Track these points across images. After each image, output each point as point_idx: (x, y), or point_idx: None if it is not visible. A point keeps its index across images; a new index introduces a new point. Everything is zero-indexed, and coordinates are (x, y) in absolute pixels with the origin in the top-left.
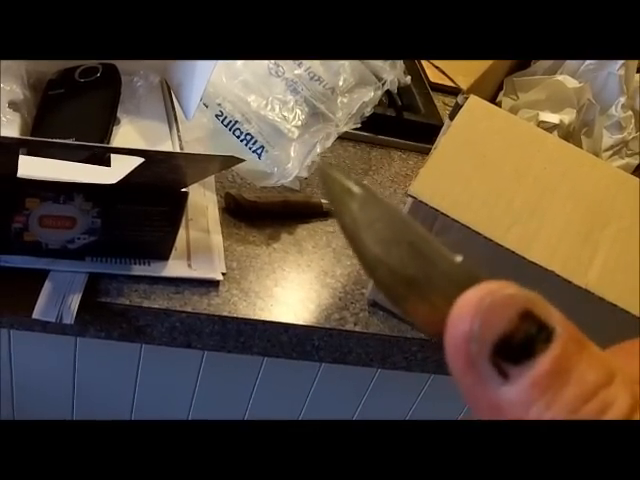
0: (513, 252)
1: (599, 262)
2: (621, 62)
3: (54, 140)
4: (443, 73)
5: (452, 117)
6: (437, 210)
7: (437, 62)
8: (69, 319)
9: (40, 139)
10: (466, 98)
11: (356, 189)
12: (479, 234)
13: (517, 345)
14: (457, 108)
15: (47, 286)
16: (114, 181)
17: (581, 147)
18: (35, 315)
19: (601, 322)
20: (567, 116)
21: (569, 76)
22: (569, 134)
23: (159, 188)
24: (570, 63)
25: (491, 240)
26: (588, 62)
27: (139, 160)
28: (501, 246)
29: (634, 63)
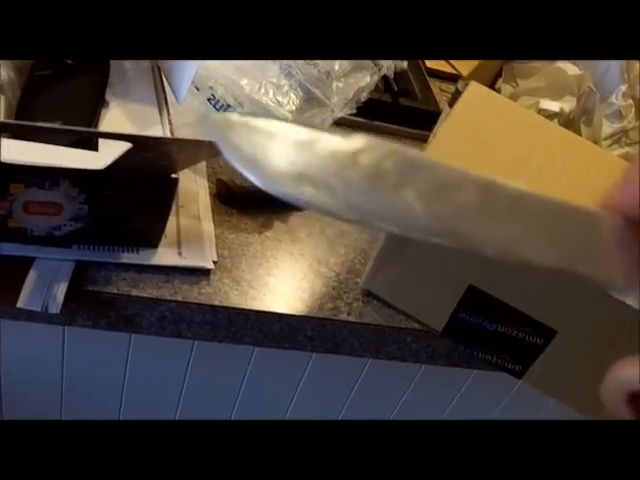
0: None
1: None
2: None
3: (38, 124)
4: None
5: (452, 104)
6: None
7: None
8: (55, 308)
9: (23, 123)
10: (466, 84)
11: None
12: None
13: None
14: (457, 94)
15: (32, 274)
16: (101, 166)
17: (580, 135)
18: (20, 304)
19: (601, 311)
20: (567, 104)
21: (570, 63)
22: (569, 122)
23: (148, 174)
24: None
25: None
26: None
27: (127, 145)
28: None
29: None
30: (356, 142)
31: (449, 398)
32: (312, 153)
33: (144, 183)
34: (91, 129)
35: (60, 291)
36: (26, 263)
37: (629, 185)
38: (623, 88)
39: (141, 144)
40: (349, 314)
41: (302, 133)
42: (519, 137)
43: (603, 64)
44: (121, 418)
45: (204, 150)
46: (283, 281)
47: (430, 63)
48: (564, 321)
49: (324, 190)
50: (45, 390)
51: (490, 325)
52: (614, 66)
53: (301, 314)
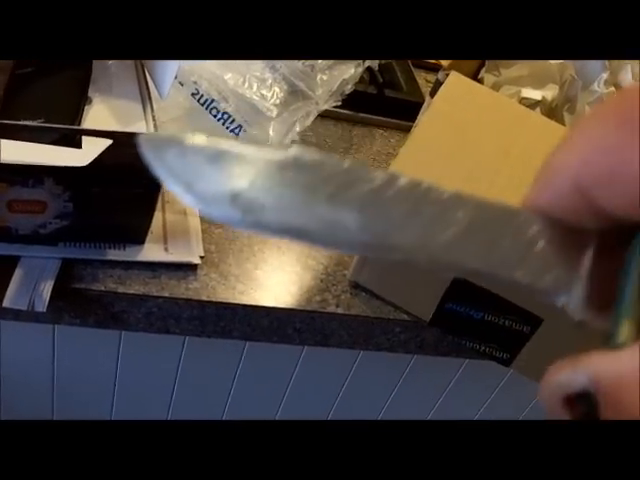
0: None
1: None
2: None
3: (20, 122)
4: None
5: (433, 94)
6: None
7: None
8: (41, 307)
9: (3, 122)
10: (447, 75)
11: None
12: None
13: None
14: (438, 85)
15: (18, 273)
16: (85, 163)
17: (563, 123)
18: (5, 303)
19: None
20: (549, 92)
21: None
22: (551, 110)
23: (133, 169)
24: None
25: None
26: None
27: (108, 142)
28: None
29: None
30: (287, 154)
31: (441, 388)
32: (244, 170)
33: (129, 179)
34: (71, 126)
35: (46, 289)
36: (11, 262)
37: (543, 184)
38: (605, 76)
39: (120, 141)
40: (337, 306)
41: (233, 150)
42: (500, 127)
43: None
44: (113, 416)
45: None
46: (271, 275)
47: None
48: (550, 308)
49: (257, 210)
50: (36, 389)
51: (477, 314)
52: None
53: (289, 307)
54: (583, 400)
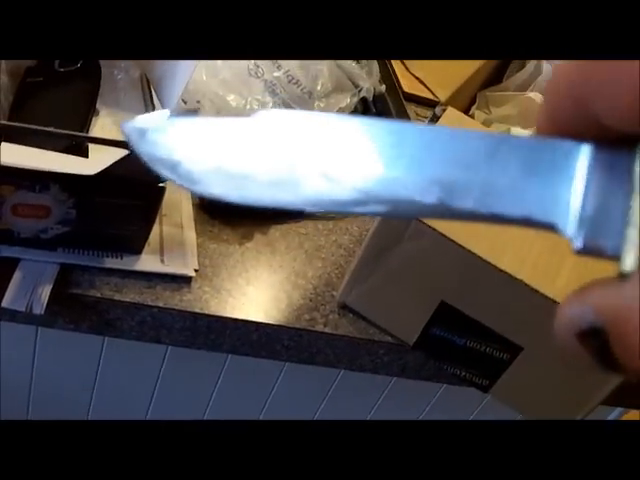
0: (484, 260)
1: (565, 273)
2: None
3: (37, 127)
4: (422, 84)
5: None
6: None
7: (417, 73)
8: (39, 309)
9: (20, 124)
10: (444, 110)
11: None
12: (452, 241)
13: None
14: (435, 119)
15: (17, 275)
16: (92, 172)
17: None
18: (4, 304)
19: None
20: None
21: (539, 93)
22: None
23: (137, 182)
24: (541, 81)
25: (463, 247)
26: None
27: (118, 152)
28: (473, 254)
29: None
30: (257, 120)
31: (417, 412)
32: (223, 144)
33: (132, 191)
34: (88, 135)
35: (45, 293)
36: (11, 264)
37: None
38: None
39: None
40: (325, 325)
41: (212, 125)
42: None
43: None
44: (90, 415)
45: None
46: (262, 291)
47: (407, 88)
48: (530, 338)
49: (239, 180)
50: (14, 392)
51: (460, 340)
52: None
53: (279, 324)
54: (594, 335)
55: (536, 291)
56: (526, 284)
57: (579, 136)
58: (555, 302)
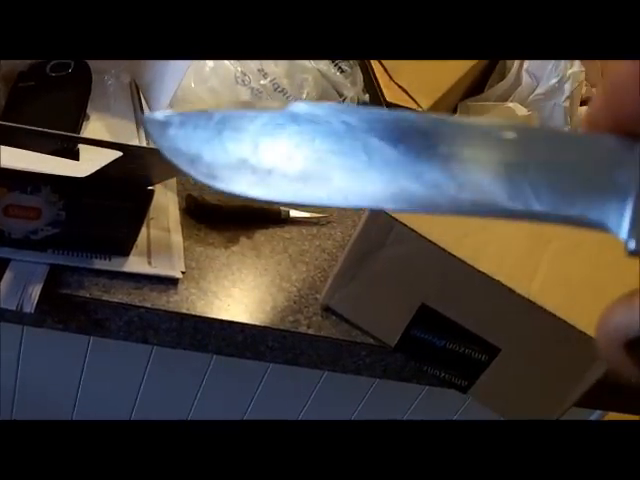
0: (464, 262)
1: (541, 274)
2: (567, 94)
3: (30, 127)
4: (405, 92)
5: None
6: (395, 219)
7: (400, 81)
8: (29, 308)
9: (14, 125)
10: None
11: None
12: (434, 244)
13: None
14: None
15: (8, 275)
16: (83, 175)
17: None
18: None
19: (541, 330)
20: None
21: (519, 104)
22: None
23: (126, 185)
24: (520, 92)
25: (445, 250)
26: (537, 92)
27: (111, 155)
28: (454, 256)
29: (578, 96)
30: (286, 113)
31: (401, 414)
32: (247, 137)
33: (121, 194)
34: (84, 136)
35: (35, 292)
36: (2, 264)
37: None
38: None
39: (130, 153)
40: (309, 327)
41: (235, 118)
42: None
43: (549, 106)
44: (74, 416)
45: None
46: (247, 293)
47: (390, 97)
48: (507, 339)
49: (263, 175)
50: None
51: (439, 342)
52: (558, 109)
53: (264, 325)
54: None
55: (513, 291)
56: (503, 284)
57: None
58: (531, 302)
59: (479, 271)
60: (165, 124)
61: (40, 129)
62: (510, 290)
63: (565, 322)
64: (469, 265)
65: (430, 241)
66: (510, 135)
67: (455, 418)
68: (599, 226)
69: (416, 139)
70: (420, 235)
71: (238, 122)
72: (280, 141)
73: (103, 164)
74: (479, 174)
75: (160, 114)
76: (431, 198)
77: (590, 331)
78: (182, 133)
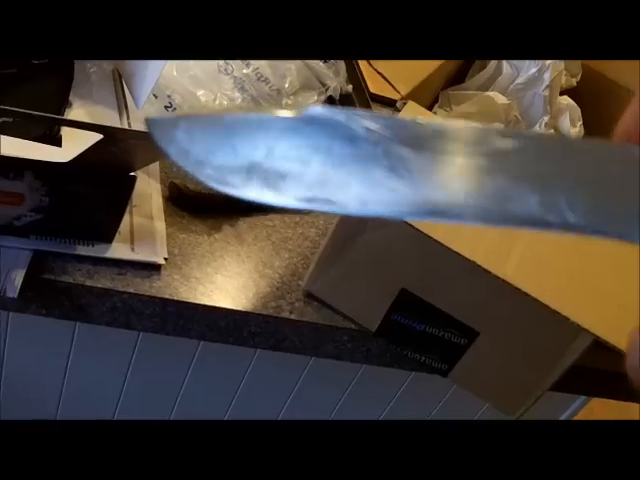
0: (441, 243)
1: (516, 256)
2: (546, 84)
3: (15, 109)
4: (384, 78)
5: None
6: None
7: (380, 69)
8: (13, 293)
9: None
10: (404, 103)
11: None
12: (412, 226)
13: None
14: (396, 112)
15: None
16: (66, 160)
17: None
18: None
19: (518, 313)
20: None
21: (499, 93)
22: None
23: (109, 171)
24: (501, 81)
25: (422, 232)
26: (517, 81)
27: (93, 139)
28: (431, 238)
29: (557, 86)
30: (303, 117)
31: (387, 399)
32: (260, 138)
33: (104, 180)
34: (64, 118)
35: (18, 277)
36: None
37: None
38: (546, 119)
39: (111, 136)
40: (291, 312)
41: (245, 122)
42: None
43: (529, 95)
44: (60, 408)
45: None
46: (230, 280)
47: (373, 88)
48: (485, 323)
49: (276, 180)
50: None
51: (419, 326)
52: (538, 98)
53: (246, 310)
54: None
55: (489, 273)
56: (479, 266)
57: None
58: (507, 284)
59: (455, 253)
60: (171, 127)
61: (22, 110)
62: (486, 272)
63: (540, 302)
64: (446, 247)
65: (408, 224)
66: (541, 145)
67: (440, 405)
68: (614, 236)
69: (442, 147)
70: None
71: (251, 125)
72: (296, 145)
73: (84, 149)
74: (509, 184)
75: (165, 117)
76: (457, 208)
77: (564, 312)
78: (189, 136)
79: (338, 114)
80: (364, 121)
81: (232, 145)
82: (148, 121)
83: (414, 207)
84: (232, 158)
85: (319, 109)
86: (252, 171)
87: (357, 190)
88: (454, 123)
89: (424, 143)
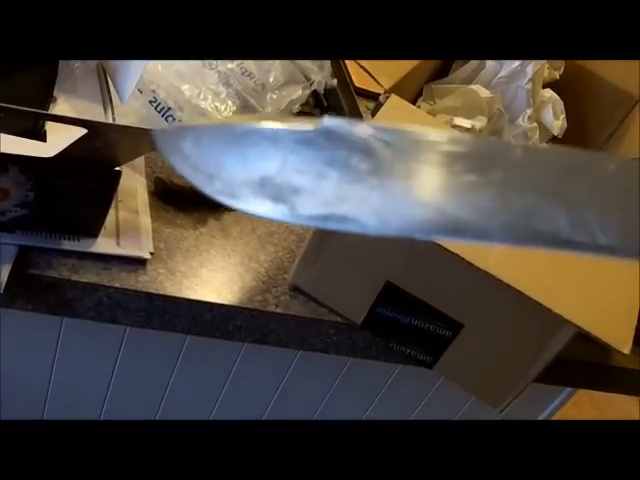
0: None
1: (498, 249)
2: (529, 77)
3: (2, 104)
4: (367, 72)
5: (374, 114)
6: None
7: (363, 62)
8: None
9: None
10: (387, 97)
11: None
12: None
13: None
14: (379, 106)
15: None
16: (50, 155)
17: None
18: None
19: (501, 304)
20: (479, 123)
21: (483, 87)
22: None
23: (94, 165)
24: (484, 75)
25: None
26: (500, 75)
27: (77, 134)
28: None
29: (540, 79)
30: (319, 129)
31: (375, 392)
32: (271, 151)
33: (89, 174)
34: (47, 112)
35: (4, 272)
36: None
37: None
38: (529, 112)
39: (95, 130)
40: (277, 306)
41: (257, 134)
42: None
43: (512, 88)
44: (49, 400)
45: (147, 140)
46: (215, 274)
47: (358, 82)
48: (470, 315)
49: (289, 194)
50: None
51: (404, 318)
52: (521, 92)
53: (231, 304)
54: None
55: (471, 265)
56: (462, 259)
57: None
58: (490, 276)
59: (439, 245)
60: (178, 139)
61: (7, 105)
62: (469, 264)
63: (523, 294)
64: (429, 241)
65: None
66: (572, 162)
67: (427, 397)
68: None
69: (467, 163)
70: None
71: (263, 137)
72: (311, 159)
73: (69, 144)
74: (537, 201)
75: (172, 128)
76: (483, 227)
77: (548, 303)
78: (198, 148)
79: (356, 127)
80: (383, 134)
81: (244, 157)
82: (154, 133)
83: (440, 225)
84: (243, 171)
85: (336, 121)
86: (264, 185)
87: (377, 207)
88: (483, 139)
89: (450, 159)
